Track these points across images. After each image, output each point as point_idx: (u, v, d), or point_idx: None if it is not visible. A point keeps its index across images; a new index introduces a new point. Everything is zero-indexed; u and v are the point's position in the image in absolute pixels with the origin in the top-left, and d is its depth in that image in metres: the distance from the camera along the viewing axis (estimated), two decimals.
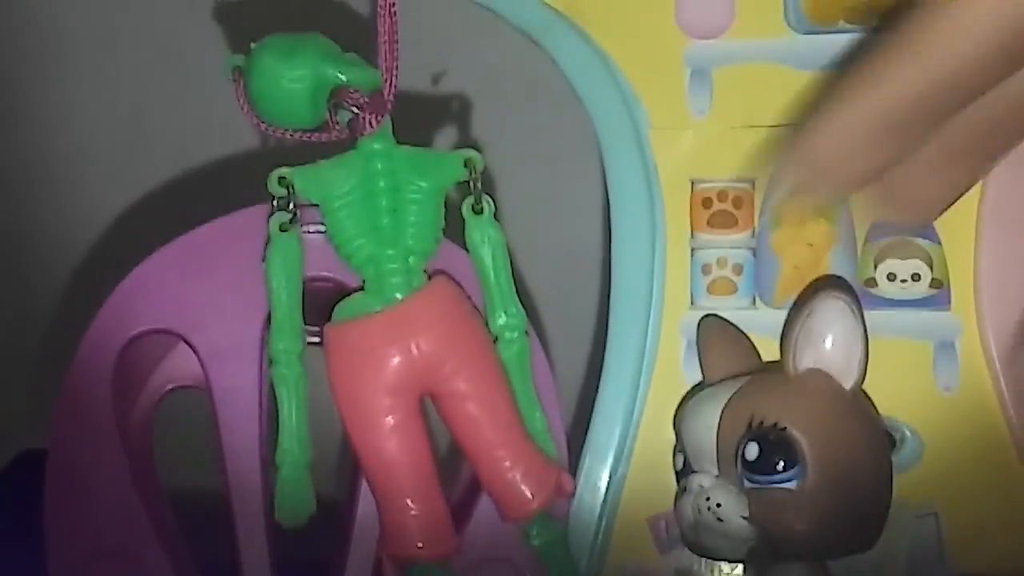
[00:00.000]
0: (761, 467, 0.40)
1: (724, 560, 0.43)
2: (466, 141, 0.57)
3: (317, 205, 0.42)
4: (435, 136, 0.56)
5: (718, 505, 0.41)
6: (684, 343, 0.46)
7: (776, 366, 0.43)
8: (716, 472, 0.42)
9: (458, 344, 0.42)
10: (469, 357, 0.42)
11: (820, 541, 0.40)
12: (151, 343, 0.44)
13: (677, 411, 0.44)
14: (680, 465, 0.43)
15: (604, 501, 0.46)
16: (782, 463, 0.40)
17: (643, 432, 0.46)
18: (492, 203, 0.43)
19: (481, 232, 0.43)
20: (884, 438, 0.42)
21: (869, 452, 0.41)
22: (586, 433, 0.46)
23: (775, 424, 0.40)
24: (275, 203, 0.42)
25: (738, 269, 0.46)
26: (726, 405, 0.42)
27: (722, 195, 0.46)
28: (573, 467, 0.45)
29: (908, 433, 0.44)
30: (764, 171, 0.45)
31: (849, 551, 0.42)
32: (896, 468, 0.44)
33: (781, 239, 0.45)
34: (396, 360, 0.41)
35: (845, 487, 0.40)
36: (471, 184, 0.43)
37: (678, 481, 0.43)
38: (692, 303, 0.46)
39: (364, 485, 0.43)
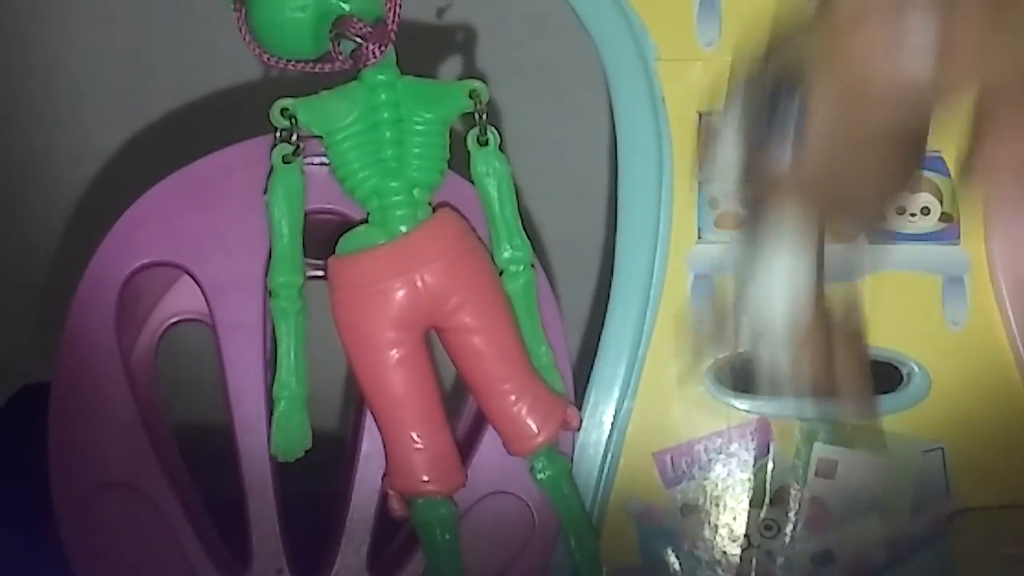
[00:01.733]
0: None
1: None
2: (471, 74, 0.57)
3: (320, 137, 0.42)
4: (439, 68, 0.56)
5: None
6: (691, 277, 0.45)
7: None
8: None
9: (463, 277, 0.42)
10: (474, 291, 0.42)
11: None
12: (154, 276, 0.44)
13: None
14: None
15: (610, 436, 0.46)
16: None
17: (649, 367, 0.46)
18: (497, 135, 0.43)
19: (486, 164, 0.43)
20: None
21: None
22: (592, 367, 0.46)
23: None
24: (278, 135, 0.41)
25: None
26: None
27: None
28: (579, 401, 0.45)
29: (916, 368, 0.44)
30: None
31: None
32: (903, 403, 0.44)
33: None
34: (401, 293, 0.41)
35: None
36: (476, 115, 0.43)
37: None
38: (699, 237, 0.45)
39: (368, 420, 0.43)
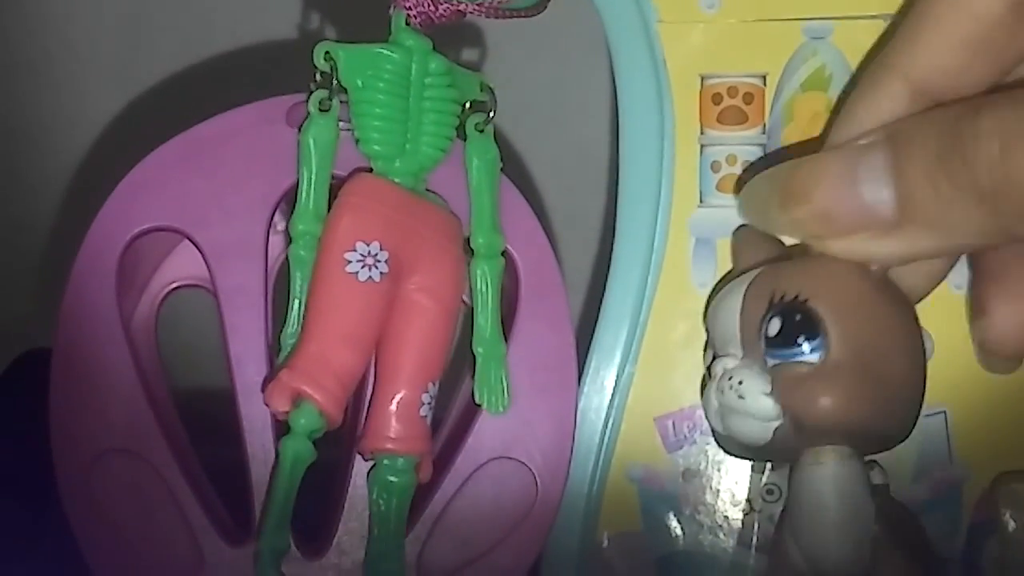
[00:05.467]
0: (783, 341, 0.39)
1: (751, 448, 0.41)
2: (470, 38, 0.56)
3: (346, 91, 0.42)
4: (437, 34, 0.56)
5: (740, 383, 0.40)
6: (693, 241, 0.45)
7: (799, 248, 0.41)
8: (741, 355, 0.41)
9: (437, 277, 0.42)
10: (436, 295, 0.42)
11: (846, 420, 0.39)
12: (154, 241, 0.43)
13: (706, 306, 0.44)
14: (709, 360, 0.43)
15: (611, 400, 0.46)
16: (804, 336, 0.39)
17: (651, 331, 0.46)
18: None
19: (481, 150, 0.44)
20: (916, 324, 0.40)
21: (898, 333, 0.40)
22: (593, 332, 0.46)
23: (796, 297, 0.39)
24: (316, 79, 0.41)
25: (748, 166, 0.45)
26: (749, 286, 0.41)
27: (732, 91, 0.45)
28: (581, 366, 0.45)
29: None
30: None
31: (881, 441, 0.41)
32: None
33: (792, 135, 0.45)
34: (396, 232, 0.41)
35: (871, 364, 0.39)
36: (490, 108, 0.44)
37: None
38: (701, 201, 0.45)
39: (369, 390, 0.43)
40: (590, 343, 0.46)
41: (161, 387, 0.46)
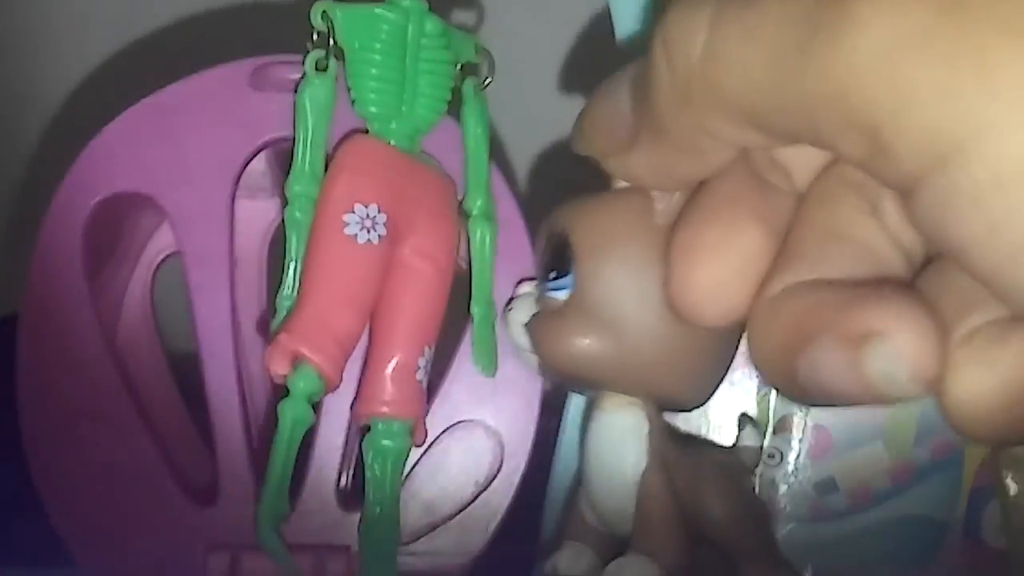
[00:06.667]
0: (542, 274, 0.38)
1: None
2: (465, 0, 0.56)
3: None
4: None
5: (510, 310, 0.40)
6: None
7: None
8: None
9: (433, 241, 0.41)
10: (432, 259, 0.41)
11: (580, 366, 0.37)
12: (149, 208, 0.44)
13: None
14: None
15: None
16: (555, 271, 0.37)
17: None
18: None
19: (478, 112, 0.43)
20: None
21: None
22: None
23: (563, 230, 0.38)
24: (313, 39, 0.41)
25: None
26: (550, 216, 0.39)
27: None
28: None
29: None
30: None
31: (664, 400, 0.39)
32: None
33: None
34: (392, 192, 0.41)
35: (620, 311, 0.36)
36: (487, 70, 0.44)
37: None
38: None
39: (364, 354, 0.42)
40: None
41: (156, 352, 0.46)
